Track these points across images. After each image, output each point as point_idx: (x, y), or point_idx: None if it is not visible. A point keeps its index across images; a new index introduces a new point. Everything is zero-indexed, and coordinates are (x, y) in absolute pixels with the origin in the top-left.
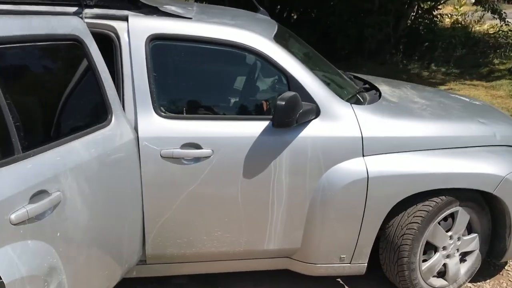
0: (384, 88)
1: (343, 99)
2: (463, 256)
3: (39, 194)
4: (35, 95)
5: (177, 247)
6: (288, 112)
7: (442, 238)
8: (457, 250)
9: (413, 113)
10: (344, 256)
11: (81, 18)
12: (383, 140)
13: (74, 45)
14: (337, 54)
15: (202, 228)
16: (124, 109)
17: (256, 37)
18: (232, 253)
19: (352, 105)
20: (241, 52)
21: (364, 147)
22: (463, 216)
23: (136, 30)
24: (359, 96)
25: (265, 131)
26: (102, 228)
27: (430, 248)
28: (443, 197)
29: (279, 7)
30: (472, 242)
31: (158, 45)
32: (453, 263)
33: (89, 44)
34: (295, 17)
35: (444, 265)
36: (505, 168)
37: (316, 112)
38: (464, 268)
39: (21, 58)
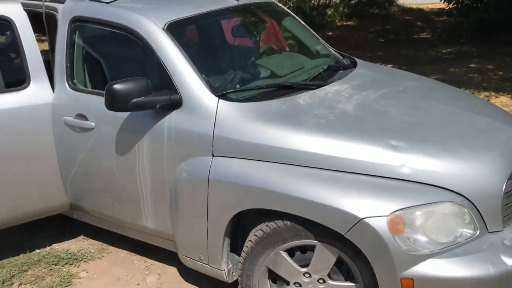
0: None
1: (218, 92)
2: None
3: None
4: None
5: (86, 201)
6: (118, 97)
7: (289, 270)
8: None
9: (297, 120)
10: (202, 255)
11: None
12: (236, 143)
13: (6, 24)
14: None
15: (98, 192)
16: (53, 79)
17: (143, 23)
18: (124, 221)
19: (221, 101)
20: (131, 36)
21: (214, 147)
22: (323, 254)
23: (65, 12)
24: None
25: (133, 113)
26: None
27: (282, 281)
28: (287, 222)
29: None
30: None
31: (77, 26)
32: None
33: (18, 24)
34: None
35: None
36: (371, 208)
37: (177, 103)
38: None
39: None
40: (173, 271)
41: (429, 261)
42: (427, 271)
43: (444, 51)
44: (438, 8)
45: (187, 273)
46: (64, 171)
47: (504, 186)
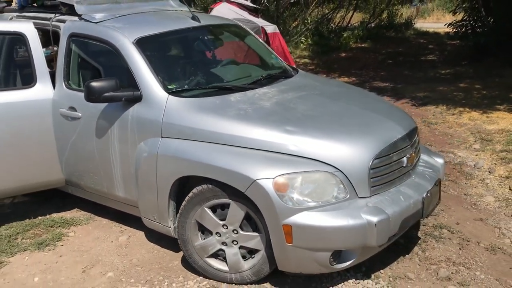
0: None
1: (169, 90)
2: (250, 253)
3: None
4: None
5: (76, 177)
6: (93, 92)
7: (211, 223)
8: (236, 242)
9: (223, 111)
10: (155, 216)
11: (51, 20)
12: (177, 128)
13: (20, 38)
14: None
15: (84, 169)
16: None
17: (118, 38)
18: (103, 192)
19: (170, 95)
20: (110, 48)
21: (162, 130)
22: (235, 210)
23: (65, 29)
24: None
25: (107, 105)
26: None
27: (208, 232)
28: (209, 185)
29: None
30: (253, 239)
31: (73, 40)
32: (231, 252)
33: (30, 38)
34: None
35: (224, 251)
36: (262, 172)
37: (138, 97)
38: (248, 263)
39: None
40: (140, 234)
41: (304, 213)
42: (302, 220)
43: (443, 71)
44: (453, 32)
45: (150, 236)
46: (60, 152)
47: (370, 163)
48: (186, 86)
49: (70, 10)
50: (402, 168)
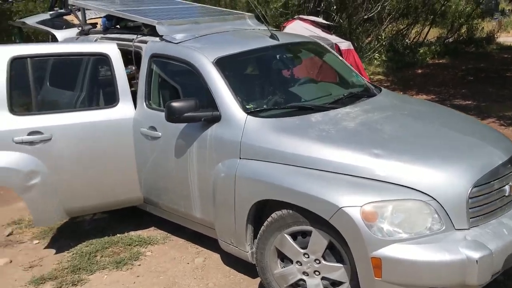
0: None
1: (248, 110)
2: (333, 285)
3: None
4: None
5: (155, 196)
6: (173, 112)
7: (292, 251)
8: (318, 272)
9: (304, 132)
10: (232, 239)
11: (133, 41)
12: (256, 149)
13: (105, 58)
14: None
15: (162, 188)
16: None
17: (198, 58)
18: (180, 212)
19: (249, 116)
20: (190, 68)
21: (241, 151)
22: (317, 239)
23: (147, 50)
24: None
25: (187, 125)
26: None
27: (288, 260)
28: (289, 211)
29: None
30: (337, 271)
31: (154, 60)
32: (312, 283)
33: (113, 58)
34: None
35: (305, 282)
36: (349, 200)
37: (217, 117)
38: None
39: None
40: (217, 256)
41: (395, 245)
42: (393, 253)
43: None
44: None
45: (227, 259)
46: (139, 170)
47: (469, 192)
48: (264, 106)
49: (152, 31)
50: (504, 197)
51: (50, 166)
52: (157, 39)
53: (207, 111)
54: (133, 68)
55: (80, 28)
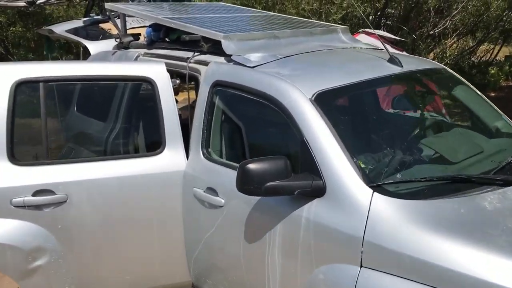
0: None
1: (373, 182)
2: None
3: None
4: None
5: (209, 284)
6: (250, 179)
7: None
8: None
9: (481, 233)
10: None
11: (189, 60)
12: (393, 255)
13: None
14: None
15: (222, 277)
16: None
17: (287, 92)
18: None
19: (377, 193)
20: (273, 106)
21: (363, 254)
22: None
23: (208, 75)
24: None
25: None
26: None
27: None
28: None
29: None
30: None
31: (218, 90)
32: None
33: (159, 85)
34: None
35: None
36: None
37: (320, 190)
38: None
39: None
40: None
41: None
42: None
43: None
44: None
45: None
46: (189, 247)
47: None
48: (399, 176)
49: (215, 48)
50: None
51: (63, 240)
52: (223, 59)
53: (302, 178)
54: (177, 81)
55: (118, 40)
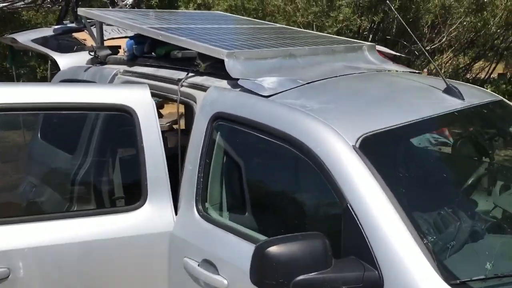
0: None
1: (452, 279)
2: None
3: None
4: None
5: None
6: (273, 269)
7: None
8: None
9: None
10: None
11: (180, 83)
12: None
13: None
14: None
15: None
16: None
17: (321, 135)
18: None
19: None
20: (298, 152)
21: None
22: None
23: (206, 104)
24: None
25: None
26: None
27: None
28: None
29: None
30: None
31: (220, 126)
32: None
33: (141, 116)
34: None
35: None
36: None
37: (375, 285)
38: None
39: None
40: None
41: None
42: None
43: None
44: None
45: None
46: None
47: None
48: (487, 266)
49: (214, 68)
50: None
51: None
52: (226, 83)
53: (348, 267)
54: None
55: (92, 54)
